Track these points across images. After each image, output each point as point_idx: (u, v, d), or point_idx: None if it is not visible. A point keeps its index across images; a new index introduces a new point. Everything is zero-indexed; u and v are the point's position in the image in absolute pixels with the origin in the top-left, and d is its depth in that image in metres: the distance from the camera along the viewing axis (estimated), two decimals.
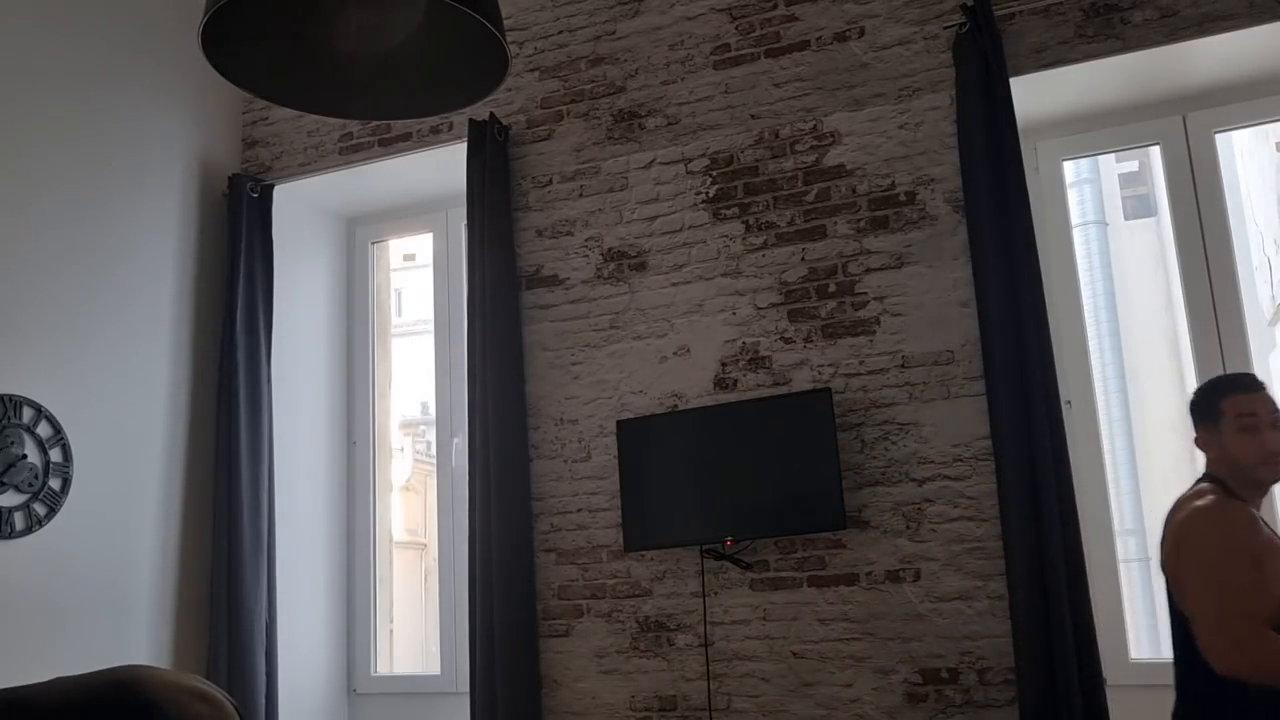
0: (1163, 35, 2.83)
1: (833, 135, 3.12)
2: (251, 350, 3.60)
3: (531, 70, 3.55)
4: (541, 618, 3.23)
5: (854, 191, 3.08)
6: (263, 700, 3.39)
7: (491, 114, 3.46)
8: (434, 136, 3.63)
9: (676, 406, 3.18)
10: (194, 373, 3.61)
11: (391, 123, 3.70)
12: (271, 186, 3.79)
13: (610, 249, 3.35)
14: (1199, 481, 2.26)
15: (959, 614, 2.80)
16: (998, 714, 2.73)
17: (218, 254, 3.74)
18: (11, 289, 3.06)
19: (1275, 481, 2.20)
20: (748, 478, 2.97)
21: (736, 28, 3.29)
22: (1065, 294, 3.16)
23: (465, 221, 3.59)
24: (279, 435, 3.66)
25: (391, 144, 3.70)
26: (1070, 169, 3.59)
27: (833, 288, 3.06)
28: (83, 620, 3.11)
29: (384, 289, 4.24)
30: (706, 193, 3.25)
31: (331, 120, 3.74)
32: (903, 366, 2.96)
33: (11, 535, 2.97)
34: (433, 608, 3.82)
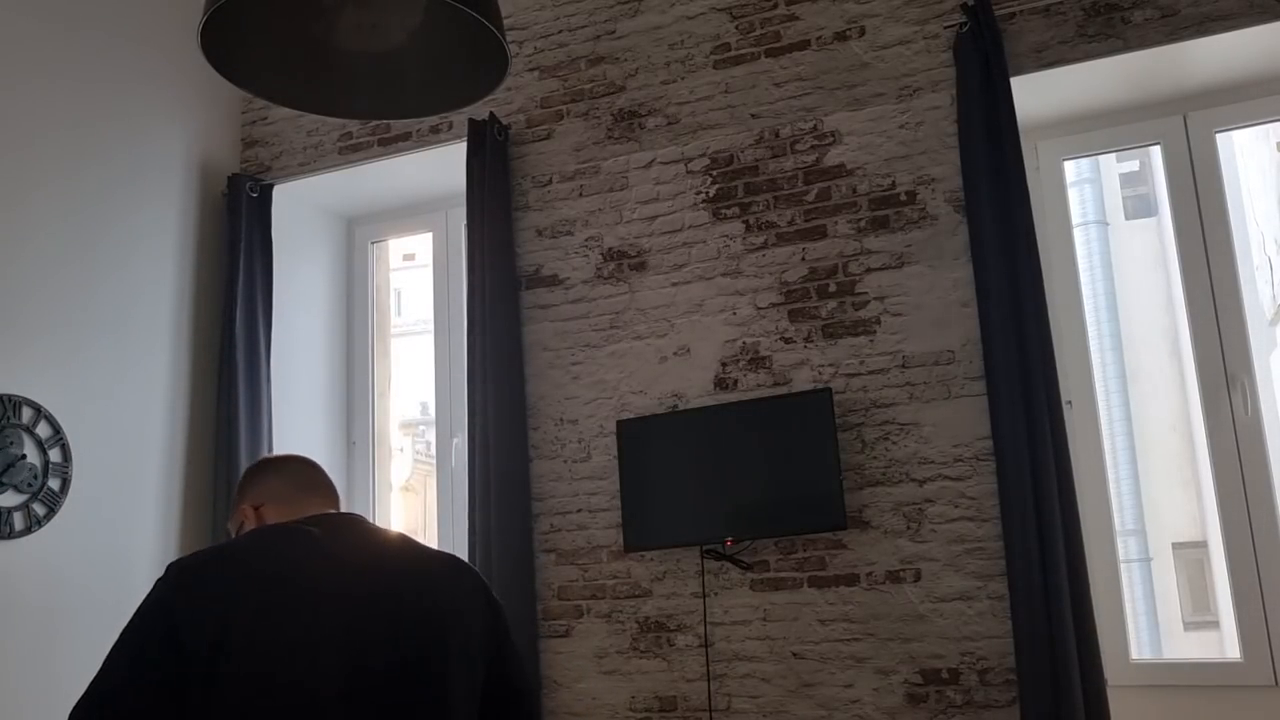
0: (1163, 35, 2.83)
1: (833, 135, 3.12)
2: (251, 350, 3.60)
3: (531, 70, 3.55)
4: (541, 618, 3.23)
5: (854, 191, 3.08)
6: None
7: (491, 114, 3.46)
8: (434, 136, 3.63)
9: (676, 406, 3.17)
10: (194, 373, 3.61)
11: (391, 123, 3.69)
12: (271, 186, 3.79)
13: (610, 249, 3.34)
14: None
15: (959, 614, 2.80)
16: (998, 714, 2.73)
17: (217, 254, 3.74)
18: (11, 289, 3.06)
19: None
20: (748, 478, 2.97)
21: (736, 27, 3.29)
22: (1065, 294, 3.16)
23: (465, 221, 3.59)
24: (279, 435, 3.65)
25: (391, 144, 3.70)
26: (1070, 169, 3.58)
27: (833, 288, 3.06)
28: (83, 620, 3.11)
29: (384, 289, 4.24)
30: (706, 192, 3.24)
31: (331, 120, 3.74)
32: (903, 366, 2.96)
33: (11, 535, 2.97)
34: None
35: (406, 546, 1.54)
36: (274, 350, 3.67)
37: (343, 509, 1.68)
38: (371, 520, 1.60)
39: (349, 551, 1.46)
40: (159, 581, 1.39)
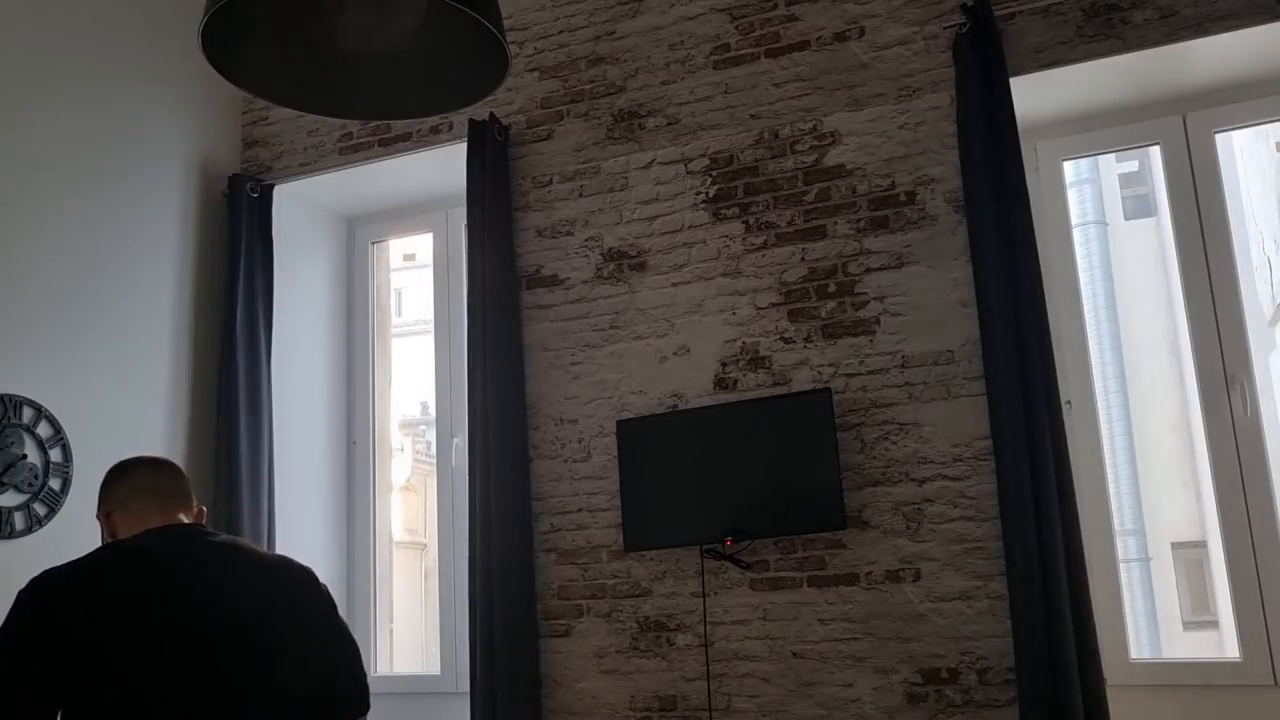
0: (1163, 35, 2.83)
1: (833, 135, 3.12)
2: (251, 350, 3.60)
3: (531, 70, 3.55)
4: (541, 618, 3.23)
5: (854, 191, 3.08)
6: None
7: (491, 114, 3.46)
8: (434, 136, 3.63)
9: (676, 406, 3.18)
10: (194, 373, 3.61)
11: (391, 123, 3.70)
12: (271, 186, 3.79)
13: (610, 249, 3.35)
14: None
15: (959, 614, 2.80)
16: (998, 714, 2.73)
17: (218, 254, 3.74)
18: (11, 289, 3.06)
19: None
20: (748, 478, 2.97)
21: (736, 28, 3.29)
22: (1065, 294, 3.16)
23: (465, 221, 3.59)
24: (279, 435, 3.66)
25: (391, 144, 3.70)
26: (1070, 169, 3.59)
27: (833, 288, 3.06)
28: None
29: (384, 289, 4.24)
30: (706, 193, 3.25)
31: (331, 120, 3.74)
32: (903, 366, 2.96)
33: (11, 535, 2.97)
34: (433, 608, 3.82)
35: (240, 556, 1.74)
36: (274, 350, 3.67)
37: (194, 507, 1.85)
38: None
39: (191, 567, 1.66)
40: (23, 597, 1.51)
